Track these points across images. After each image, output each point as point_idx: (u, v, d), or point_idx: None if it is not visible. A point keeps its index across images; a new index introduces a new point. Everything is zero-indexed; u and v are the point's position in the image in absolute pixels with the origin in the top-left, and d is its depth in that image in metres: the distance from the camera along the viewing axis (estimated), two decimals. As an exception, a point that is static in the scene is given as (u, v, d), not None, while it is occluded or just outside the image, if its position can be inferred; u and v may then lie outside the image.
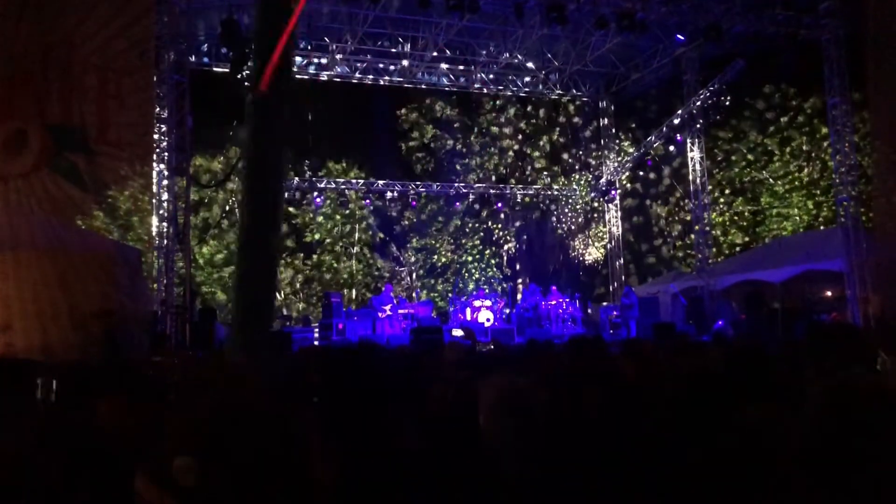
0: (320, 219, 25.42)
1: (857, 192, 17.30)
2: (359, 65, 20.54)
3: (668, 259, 27.19)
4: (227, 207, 24.08)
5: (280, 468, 1.36)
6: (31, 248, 11.76)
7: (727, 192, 26.18)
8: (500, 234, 28.10)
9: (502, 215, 27.30)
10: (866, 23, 16.48)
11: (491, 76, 22.19)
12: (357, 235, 26.19)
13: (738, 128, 25.61)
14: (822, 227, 23.11)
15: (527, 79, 22.72)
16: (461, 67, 21.61)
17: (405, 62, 20.61)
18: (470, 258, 27.25)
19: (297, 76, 20.02)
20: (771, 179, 25.34)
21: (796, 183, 24.67)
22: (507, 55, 20.90)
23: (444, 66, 21.32)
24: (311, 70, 20.22)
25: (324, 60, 20.10)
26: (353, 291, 25.96)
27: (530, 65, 21.99)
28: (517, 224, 28.25)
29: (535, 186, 27.12)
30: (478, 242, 27.51)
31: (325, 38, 19.59)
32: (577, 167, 28.10)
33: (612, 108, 24.83)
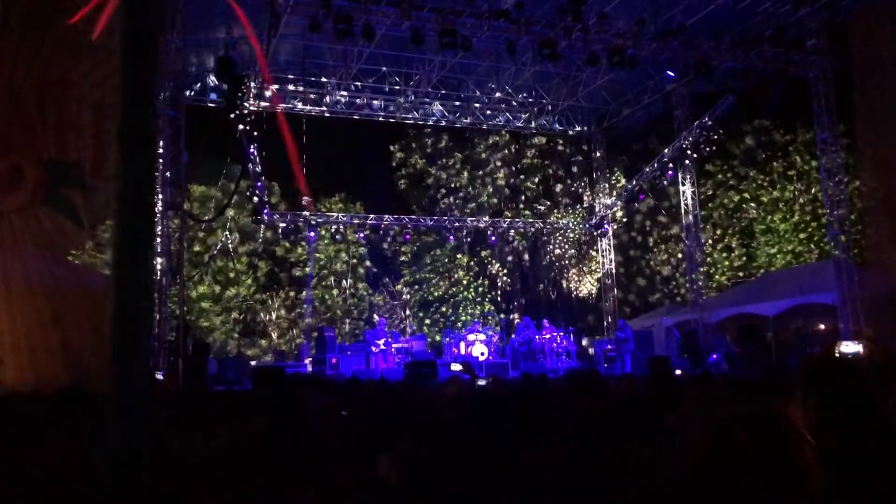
0: (318, 254, 25.44)
1: (848, 225, 17.43)
2: (353, 100, 20.72)
3: (662, 292, 27.23)
4: (222, 241, 24.10)
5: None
6: (25, 284, 11.72)
7: (724, 225, 26.33)
8: (494, 267, 28.14)
9: (496, 249, 27.39)
10: (853, 59, 16.77)
11: (484, 112, 22.39)
12: (350, 268, 26.18)
13: (729, 163, 25.85)
14: (813, 261, 23.23)
15: (519, 114, 22.94)
16: (454, 103, 21.82)
17: (399, 98, 20.82)
18: (469, 294, 27.21)
19: (293, 111, 20.22)
20: (760, 212, 25.52)
21: (787, 216, 24.84)
22: (500, 91, 21.15)
23: (437, 101, 21.52)
24: (306, 106, 20.38)
25: (318, 96, 20.28)
26: (347, 326, 25.88)
27: (523, 100, 22.22)
28: (510, 258, 28.31)
29: (528, 220, 27.24)
30: (471, 276, 27.52)
31: (320, 74, 19.81)
32: (569, 201, 28.28)
33: (604, 142, 25.05)
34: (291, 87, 20.10)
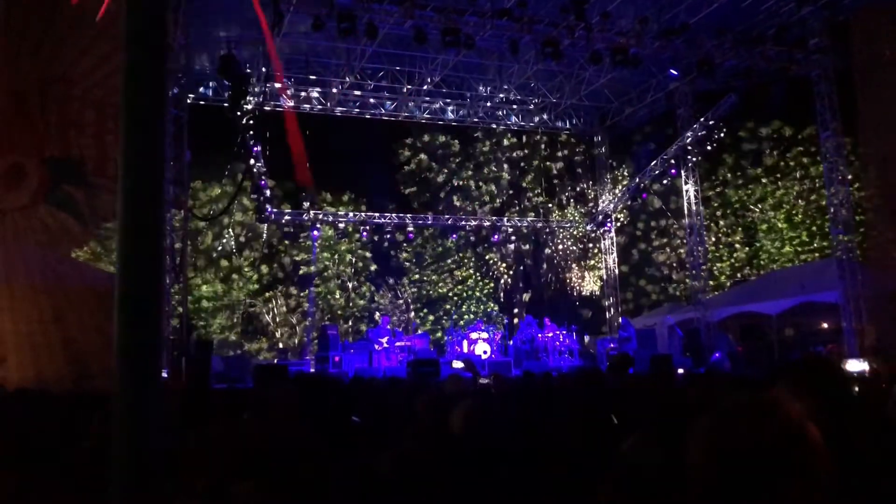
0: (324, 253, 25.44)
1: (851, 224, 17.38)
2: (356, 99, 20.71)
3: (665, 291, 27.20)
4: (224, 239, 24.14)
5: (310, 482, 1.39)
6: (27, 281, 11.74)
7: (727, 223, 26.30)
8: (497, 265, 28.13)
9: (499, 247, 27.38)
10: (855, 58, 16.72)
11: (487, 110, 22.37)
12: (353, 268, 26.19)
13: (733, 161, 25.82)
14: (816, 258, 23.19)
15: (522, 112, 22.91)
16: (457, 101, 21.81)
17: (403, 97, 20.80)
18: (476, 293, 27.19)
19: (296, 110, 20.19)
20: (763, 211, 25.48)
21: (790, 214, 24.80)
22: (504, 89, 21.12)
23: (440, 100, 21.51)
24: (309, 105, 20.37)
25: (321, 95, 20.28)
26: (350, 324, 25.89)
27: (526, 99, 22.20)
28: (513, 256, 28.30)
29: (530, 218, 27.23)
30: (474, 274, 27.52)
31: (323, 73, 19.79)
32: (572, 199, 28.26)
33: (607, 141, 25.02)
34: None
